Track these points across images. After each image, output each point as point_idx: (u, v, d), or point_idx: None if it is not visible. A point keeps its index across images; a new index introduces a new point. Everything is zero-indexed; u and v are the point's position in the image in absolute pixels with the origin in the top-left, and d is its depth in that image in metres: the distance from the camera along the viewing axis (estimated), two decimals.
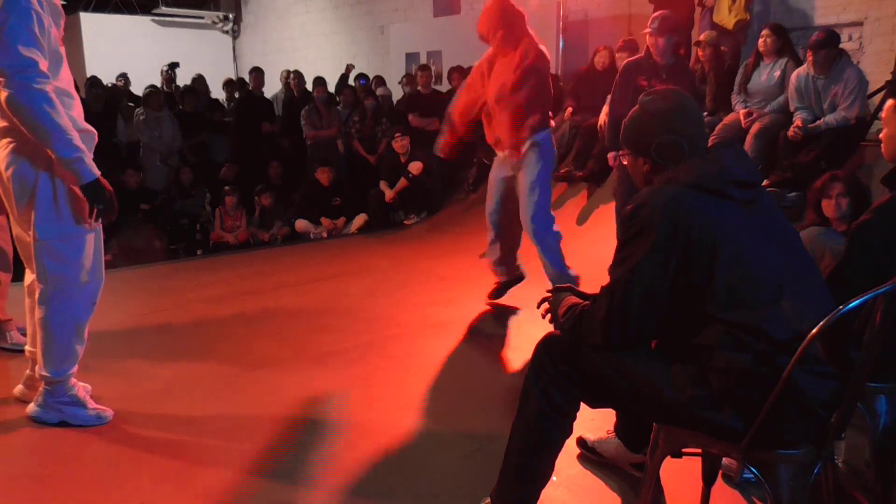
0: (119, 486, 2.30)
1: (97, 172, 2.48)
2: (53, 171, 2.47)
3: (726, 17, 5.93)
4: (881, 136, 2.24)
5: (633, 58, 4.62)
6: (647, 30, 4.35)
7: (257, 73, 8.31)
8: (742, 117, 5.06)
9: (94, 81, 7.99)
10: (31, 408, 2.66)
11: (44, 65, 2.35)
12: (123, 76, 9.48)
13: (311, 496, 2.25)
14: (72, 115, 2.49)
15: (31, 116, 2.32)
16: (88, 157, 2.47)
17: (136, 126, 7.54)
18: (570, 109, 6.56)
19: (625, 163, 1.95)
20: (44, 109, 2.32)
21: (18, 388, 2.89)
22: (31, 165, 2.46)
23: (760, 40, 5.10)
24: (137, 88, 8.70)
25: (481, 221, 6.01)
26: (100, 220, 2.57)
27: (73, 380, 2.67)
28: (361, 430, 2.68)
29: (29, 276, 2.75)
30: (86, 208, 2.52)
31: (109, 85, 9.02)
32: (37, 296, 2.58)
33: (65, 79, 2.54)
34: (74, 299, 2.58)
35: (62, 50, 2.56)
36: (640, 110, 1.87)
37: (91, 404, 2.70)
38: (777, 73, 5.03)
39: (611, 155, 4.75)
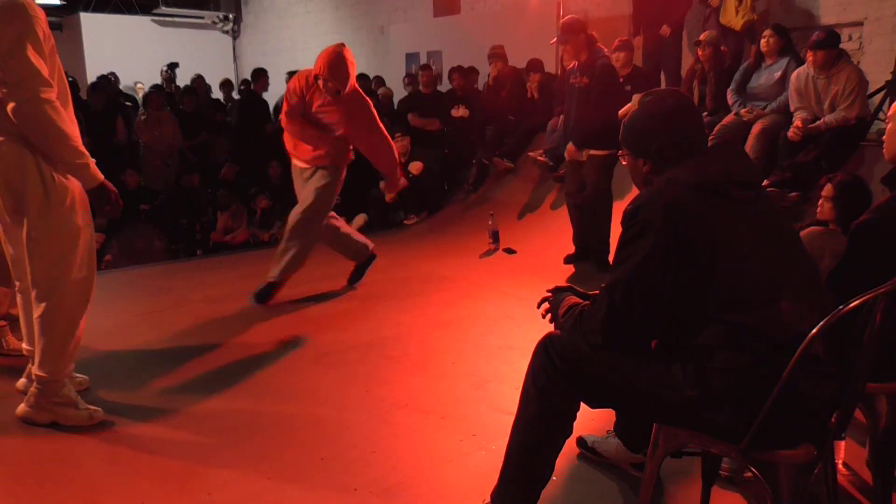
0: (119, 485, 2.30)
1: (101, 177, 2.54)
2: (42, 169, 2.46)
3: (734, 18, 5.92)
4: (886, 134, 2.22)
5: (572, 63, 5.02)
6: (554, 39, 4.87)
7: (263, 74, 8.30)
8: (742, 115, 5.07)
9: (96, 84, 8.01)
10: (23, 408, 2.65)
11: (46, 72, 2.37)
12: (113, 75, 9.48)
13: (311, 495, 2.25)
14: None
15: (39, 126, 2.37)
16: (93, 163, 2.52)
17: (137, 126, 7.54)
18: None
19: (624, 164, 1.95)
20: (51, 118, 2.36)
21: (21, 382, 2.90)
22: (20, 165, 2.45)
23: (763, 41, 5.10)
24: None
25: (481, 221, 6.04)
26: (100, 215, 2.66)
27: (65, 380, 2.66)
28: (361, 429, 2.68)
29: (21, 279, 2.75)
30: (83, 203, 2.57)
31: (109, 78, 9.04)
32: (33, 295, 2.57)
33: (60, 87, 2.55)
34: (69, 296, 2.57)
35: (57, 59, 2.56)
36: (640, 111, 1.87)
37: (82, 404, 2.68)
38: (778, 74, 5.03)
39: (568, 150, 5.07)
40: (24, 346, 2.87)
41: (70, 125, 2.44)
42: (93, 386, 3.00)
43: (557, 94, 6.70)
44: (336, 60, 4.02)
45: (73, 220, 2.55)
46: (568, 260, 5.13)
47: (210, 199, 7.45)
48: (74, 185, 2.56)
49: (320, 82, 4.09)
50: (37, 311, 2.56)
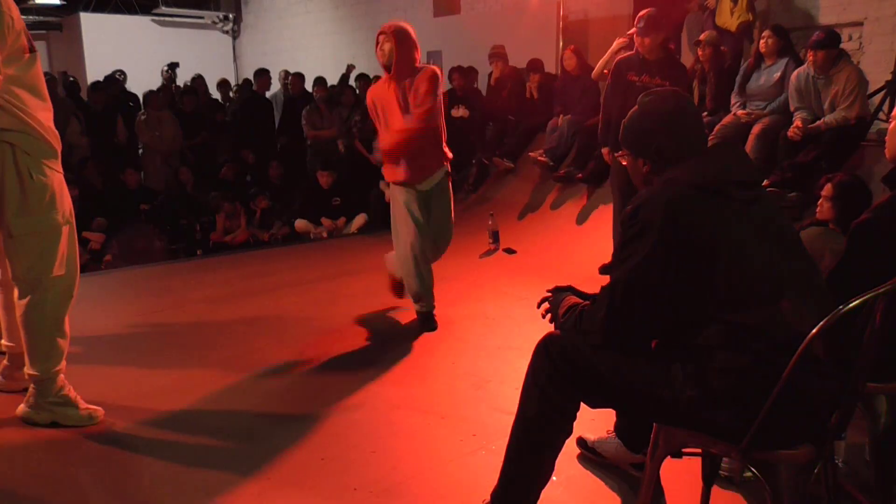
0: (119, 485, 2.30)
1: None
2: (19, 165, 2.42)
3: (728, 19, 5.93)
4: (888, 133, 2.22)
5: (624, 55, 4.73)
6: (633, 29, 4.48)
7: (264, 74, 8.29)
8: (740, 116, 5.09)
9: (97, 84, 8.01)
10: (22, 408, 2.64)
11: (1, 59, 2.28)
12: (122, 73, 9.48)
13: (311, 495, 2.25)
14: (37, 117, 2.46)
15: None
16: None
17: (137, 126, 7.54)
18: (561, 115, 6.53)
19: (624, 163, 1.95)
20: None
21: None
22: None
23: (761, 41, 5.11)
24: (138, 88, 8.68)
25: (481, 221, 6.04)
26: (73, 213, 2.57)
27: (63, 379, 2.65)
28: (361, 429, 2.68)
29: (2, 274, 2.72)
30: (63, 200, 2.53)
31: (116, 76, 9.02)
32: (15, 294, 2.56)
33: (36, 79, 2.50)
34: (50, 294, 2.55)
35: (34, 46, 2.50)
36: (640, 111, 1.87)
37: (82, 404, 2.68)
38: (777, 75, 5.03)
39: (605, 150, 4.87)
40: (4, 341, 2.85)
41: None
42: (93, 386, 2.99)
43: (558, 94, 6.70)
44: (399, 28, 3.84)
45: (52, 217, 2.52)
46: (604, 271, 4.71)
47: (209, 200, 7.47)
48: (53, 182, 2.52)
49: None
50: (19, 310, 2.55)
